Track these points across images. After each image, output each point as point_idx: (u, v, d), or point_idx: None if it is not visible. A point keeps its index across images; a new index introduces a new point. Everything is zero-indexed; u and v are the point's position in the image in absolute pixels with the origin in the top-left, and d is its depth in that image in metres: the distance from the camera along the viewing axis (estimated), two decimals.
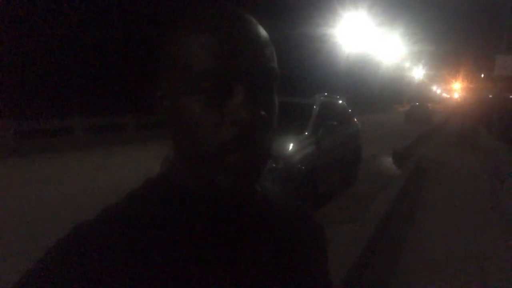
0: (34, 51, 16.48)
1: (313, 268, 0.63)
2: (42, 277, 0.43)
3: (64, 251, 0.46)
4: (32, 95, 15.63)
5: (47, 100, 15.72)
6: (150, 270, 0.46)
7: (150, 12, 20.44)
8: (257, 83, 0.49)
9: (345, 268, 3.15)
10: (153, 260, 0.47)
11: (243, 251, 0.54)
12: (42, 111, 14.21)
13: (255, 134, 0.47)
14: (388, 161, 10.48)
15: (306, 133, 5.47)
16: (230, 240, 0.53)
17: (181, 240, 0.50)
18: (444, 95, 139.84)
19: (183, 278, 0.47)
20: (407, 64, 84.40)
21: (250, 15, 0.53)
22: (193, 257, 0.49)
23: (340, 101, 7.45)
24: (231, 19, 0.49)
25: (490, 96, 22.57)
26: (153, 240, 0.49)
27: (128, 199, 0.54)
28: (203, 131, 0.48)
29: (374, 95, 48.32)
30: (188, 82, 0.48)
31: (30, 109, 14.18)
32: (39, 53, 16.64)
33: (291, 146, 4.95)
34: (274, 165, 4.55)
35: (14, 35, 15.60)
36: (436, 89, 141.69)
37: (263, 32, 0.52)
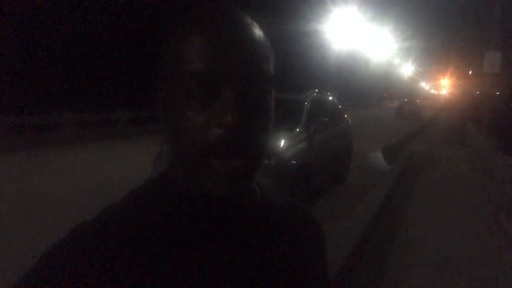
0: (24, 46, 16.25)
1: (313, 267, 0.63)
2: (43, 277, 0.43)
3: (65, 250, 0.46)
4: (21, 90, 15.42)
5: (36, 95, 15.54)
6: (151, 270, 0.46)
7: (142, 9, 20.28)
8: (248, 86, 0.47)
9: (337, 264, 3.16)
10: (154, 260, 0.47)
11: (243, 253, 0.53)
12: (31, 106, 14.05)
13: (242, 138, 0.46)
14: (379, 157, 10.56)
15: (298, 129, 5.47)
16: (230, 241, 0.53)
17: (181, 241, 0.50)
18: (433, 91, 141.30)
19: (184, 278, 0.47)
20: (396, 61, 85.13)
21: (246, 15, 0.52)
22: (193, 259, 0.49)
23: (331, 98, 7.47)
24: (223, 20, 0.48)
25: (478, 92, 22.87)
26: (153, 241, 0.49)
27: (128, 199, 0.54)
28: (191, 133, 0.47)
29: (364, 91, 48.66)
30: (179, 82, 0.48)
31: (19, 104, 14.01)
32: (28, 47, 16.41)
33: (283, 142, 4.95)
34: (266, 162, 4.54)
35: (2, 30, 15.34)
36: (425, 85, 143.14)
37: (257, 32, 0.51)
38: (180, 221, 0.51)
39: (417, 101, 35.48)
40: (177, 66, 0.48)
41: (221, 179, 0.47)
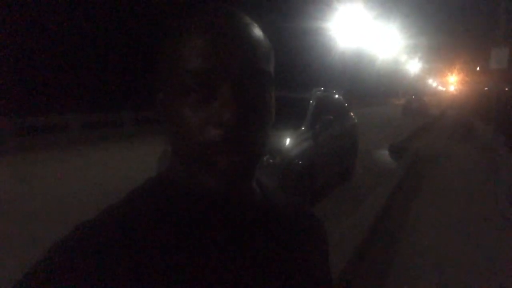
0: (29, 48, 16.37)
1: (315, 266, 0.63)
2: (44, 277, 0.43)
3: (66, 250, 0.45)
4: (27, 92, 15.56)
5: (42, 97, 15.66)
6: (152, 269, 0.46)
7: (146, 11, 20.34)
8: (246, 84, 0.48)
9: (342, 263, 3.16)
10: (154, 259, 0.47)
11: (244, 251, 0.53)
12: (38, 107, 14.16)
13: (241, 136, 0.47)
14: (385, 155, 10.52)
15: (303, 128, 5.47)
16: (231, 240, 0.53)
17: (182, 240, 0.50)
18: (440, 88, 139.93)
19: (184, 277, 0.47)
20: (403, 58, 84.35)
21: (245, 15, 0.52)
22: (194, 258, 0.49)
23: (337, 96, 7.45)
24: (221, 19, 0.49)
25: (486, 88, 22.65)
26: (154, 240, 0.49)
27: (129, 198, 0.54)
28: (191, 132, 0.48)
29: (370, 89, 48.39)
30: (177, 82, 0.48)
31: (26, 106, 14.13)
32: (34, 49, 16.53)
33: (288, 141, 4.95)
34: (271, 160, 4.55)
35: (10, 32, 15.48)
36: (432, 82, 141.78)
37: (256, 32, 0.51)
38: (180, 220, 0.51)
39: (424, 98, 35.22)
40: (175, 65, 0.49)
41: (221, 176, 0.48)
